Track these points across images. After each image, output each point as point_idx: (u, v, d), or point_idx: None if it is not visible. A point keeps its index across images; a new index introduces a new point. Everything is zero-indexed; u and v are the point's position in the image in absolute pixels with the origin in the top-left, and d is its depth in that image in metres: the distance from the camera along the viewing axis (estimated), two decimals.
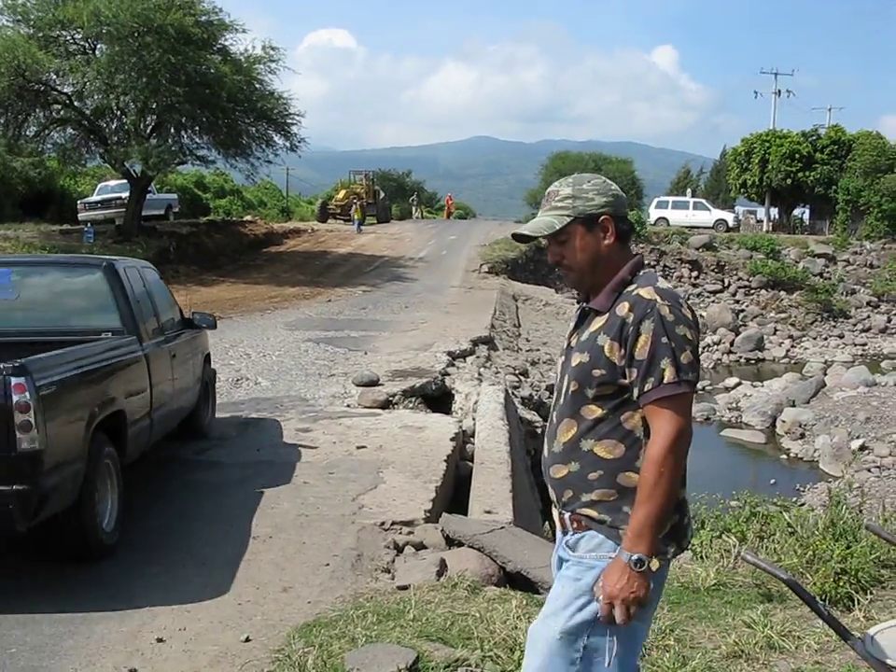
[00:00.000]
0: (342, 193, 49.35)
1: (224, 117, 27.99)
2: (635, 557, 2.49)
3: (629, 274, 2.68)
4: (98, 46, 27.60)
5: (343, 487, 7.24)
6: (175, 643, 4.59)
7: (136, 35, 25.34)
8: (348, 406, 10.45)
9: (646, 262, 2.82)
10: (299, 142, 31.13)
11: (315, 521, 6.46)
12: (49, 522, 5.19)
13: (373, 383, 11.26)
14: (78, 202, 34.76)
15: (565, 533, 2.72)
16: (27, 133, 29.42)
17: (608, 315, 2.63)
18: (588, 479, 2.64)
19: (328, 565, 5.68)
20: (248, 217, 44.65)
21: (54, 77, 27.45)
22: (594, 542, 2.63)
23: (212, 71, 27.00)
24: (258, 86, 29.15)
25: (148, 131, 29.01)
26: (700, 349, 2.66)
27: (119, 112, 28.47)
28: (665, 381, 2.51)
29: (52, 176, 39.56)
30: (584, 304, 2.77)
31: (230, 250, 32.41)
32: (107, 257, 8.53)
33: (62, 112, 29.14)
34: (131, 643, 4.59)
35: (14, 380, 4.76)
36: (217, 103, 27.10)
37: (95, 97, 27.69)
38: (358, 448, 8.44)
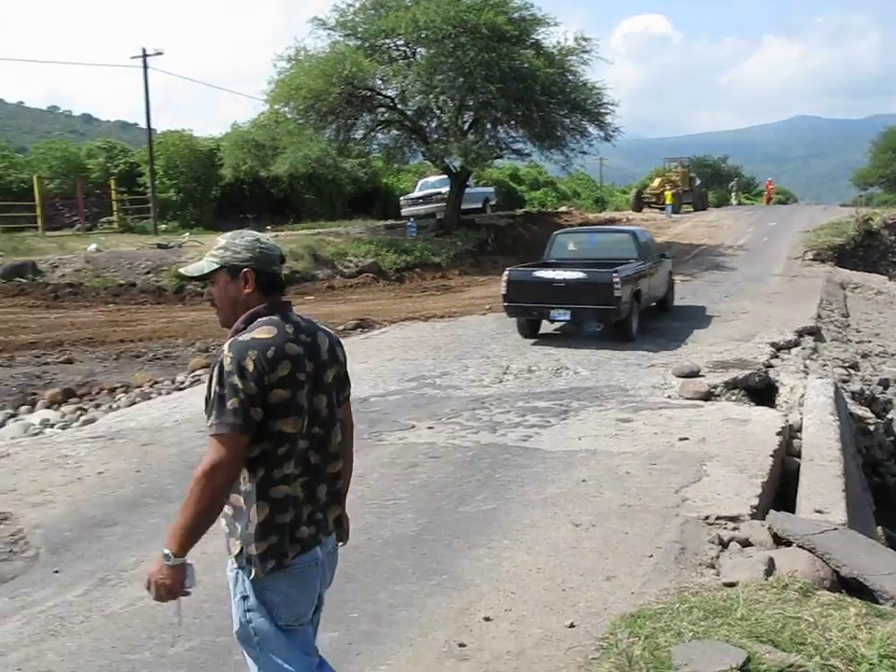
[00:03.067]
0: (656, 182, 48.71)
1: (538, 110, 28.37)
2: (165, 552, 2.86)
3: (242, 323, 3.00)
4: (417, 50, 29.01)
5: (665, 479, 7.07)
6: (501, 623, 4.66)
7: (452, 36, 26.31)
8: (669, 397, 10.21)
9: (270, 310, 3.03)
10: (613, 131, 31.00)
11: (638, 511, 6.35)
12: (616, 324, 13.88)
13: (694, 374, 10.96)
14: (401, 198, 36.65)
15: None
16: (355, 136, 31.44)
17: None
18: None
19: (651, 556, 5.55)
20: (563, 208, 45.13)
21: (379, 82, 29.13)
22: None
23: (525, 66, 27.47)
24: (571, 78, 29.33)
25: (466, 127, 30.03)
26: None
27: (438, 111, 29.69)
28: (210, 422, 2.85)
29: (377, 175, 42.04)
30: None
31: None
32: (630, 227, 19.98)
33: (386, 114, 30.88)
34: (459, 619, 4.71)
35: (614, 275, 13.35)
36: (531, 96, 27.53)
37: (416, 98, 29.06)
38: (680, 440, 8.22)
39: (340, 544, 3.32)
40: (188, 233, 30.48)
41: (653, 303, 16.37)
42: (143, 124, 36.17)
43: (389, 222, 33.92)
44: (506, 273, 14.68)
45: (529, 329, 14.95)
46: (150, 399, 11.86)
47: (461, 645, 4.40)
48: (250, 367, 2.82)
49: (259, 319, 2.98)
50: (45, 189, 32.94)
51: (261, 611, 2.97)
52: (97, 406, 11.47)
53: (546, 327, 15.29)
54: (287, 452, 2.91)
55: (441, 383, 11.43)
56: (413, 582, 5.23)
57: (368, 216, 37.58)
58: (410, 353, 13.81)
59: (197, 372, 13.41)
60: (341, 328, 17.20)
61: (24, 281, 21.50)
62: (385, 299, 22.00)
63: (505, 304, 14.58)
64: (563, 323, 14.61)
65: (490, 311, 18.39)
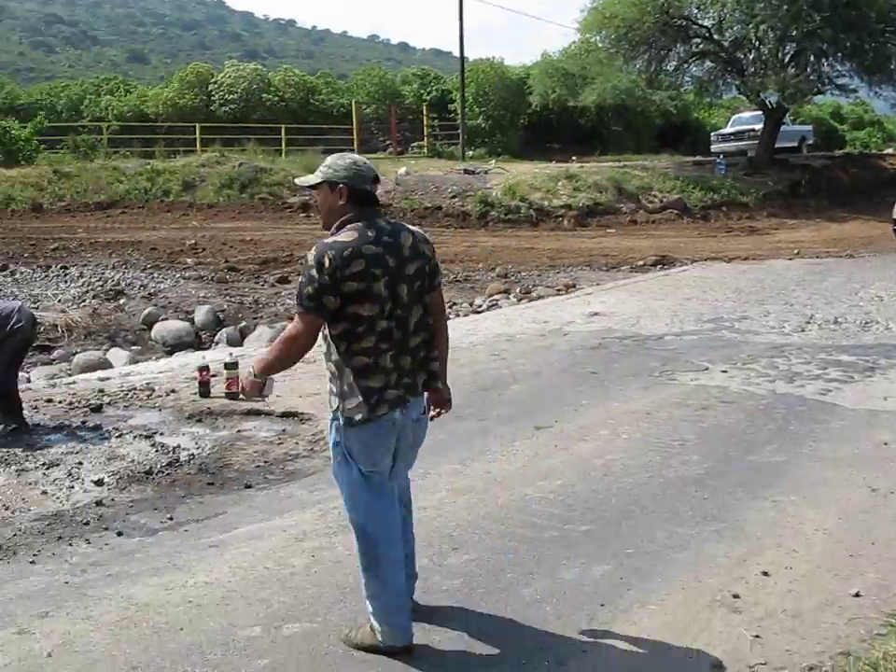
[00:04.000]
0: None
1: (871, 40, 26.14)
2: (250, 370, 3.76)
3: (335, 228, 3.63)
4: None
5: None
6: (779, 579, 4.49)
7: None
8: None
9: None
10: None
11: None
12: None
13: None
14: (712, 134, 35.29)
15: None
16: (667, 67, 30.50)
17: None
18: None
19: None
20: (890, 151, 41.56)
21: (695, 11, 28.08)
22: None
23: None
24: None
25: (786, 60, 28.28)
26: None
27: (756, 42, 28.16)
28: (295, 303, 3.83)
29: (687, 109, 40.65)
30: None
31: (865, 185, 30.45)
32: None
33: (700, 45, 29.67)
34: (736, 570, 4.59)
35: None
36: (864, 25, 25.36)
37: (734, 28, 27.75)
38: None
39: (440, 411, 3.99)
40: (493, 160, 31.04)
41: None
42: (456, 52, 37.05)
43: (697, 158, 32.83)
44: None
45: None
46: (448, 319, 12.32)
47: (735, 596, 4.29)
48: (326, 263, 3.46)
49: (348, 226, 3.59)
50: (362, 113, 34.70)
51: (346, 457, 3.67)
52: None
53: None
54: (366, 330, 3.55)
55: (740, 327, 11.04)
56: (691, 526, 5.14)
57: (675, 151, 36.56)
58: (709, 293, 13.41)
59: (495, 297, 13.76)
60: (640, 263, 16.97)
61: None
62: (688, 237, 21.41)
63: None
64: None
65: (798, 256, 17.42)
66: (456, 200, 23.71)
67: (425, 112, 35.47)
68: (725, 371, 8.78)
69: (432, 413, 3.98)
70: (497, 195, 24.04)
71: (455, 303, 13.48)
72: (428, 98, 39.00)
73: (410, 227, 3.79)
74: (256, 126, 33.69)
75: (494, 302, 13.51)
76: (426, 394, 3.86)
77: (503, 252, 18.17)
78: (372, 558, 3.73)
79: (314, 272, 3.47)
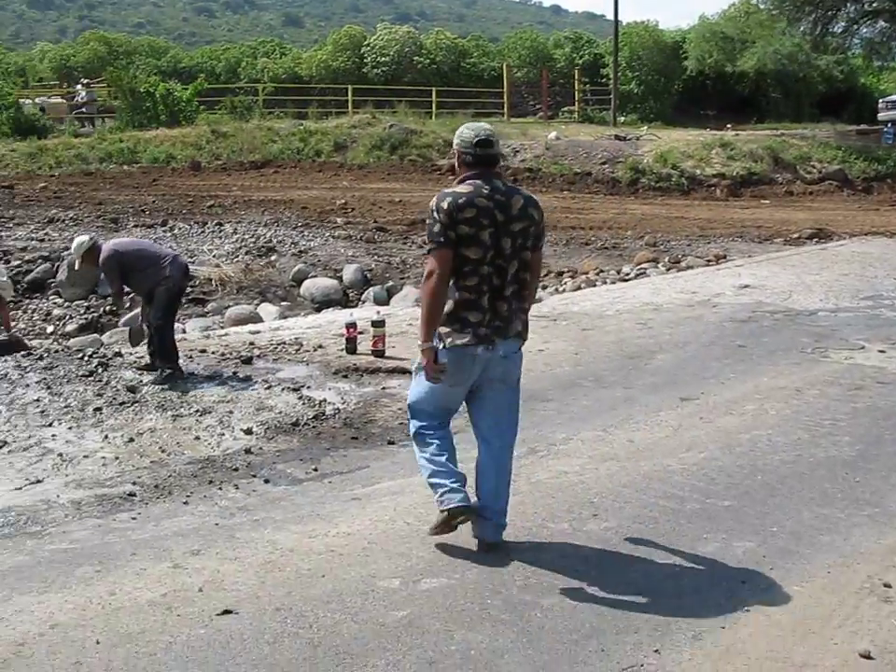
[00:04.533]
0: None
1: None
2: (418, 343, 4.25)
3: (456, 183, 4.26)
4: None
5: None
6: None
7: None
8: None
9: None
10: None
11: None
12: None
13: None
14: (879, 101, 33.45)
15: None
16: (834, 29, 29.07)
17: None
18: None
19: None
20: None
21: None
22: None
23: None
24: None
25: None
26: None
27: None
28: (426, 245, 4.38)
29: (853, 74, 38.72)
30: None
31: None
32: None
33: (874, 3, 28.09)
34: (888, 558, 4.41)
35: None
36: None
37: None
38: None
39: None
40: (645, 127, 30.40)
41: None
42: (609, 15, 36.38)
43: (862, 127, 31.24)
44: None
45: None
46: (594, 286, 12.21)
47: (886, 585, 4.11)
48: (445, 206, 4.08)
49: (467, 181, 4.21)
50: (512, 77, 34.48)
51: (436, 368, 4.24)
52: (543, 287, 12.02)
53: None
54: (471, 271, 4.12)
55: None
56: (840, 508, 4.96)
57: (837, 119, 34.91)
58: (868, 270, 12.81)
59: (643, 265, 13.53)
60: (795, 236, 16.34)
61: None
62: (848, 209, 20.48)
63: None
64: None
65: None
66: (606, 166, 23.37)
67: (576, 76, 34.92)
68: (883, 352, 8.38)
69: None
70: (649, 162, 23.55)
71: (601, 270, 13.32)
72: (580, 62, 38.41)
73: (524, 192, 4.35)
74: (407, 88, 33.99)
75: (641, 271, 13.28)
76: (518, 337, 4.33)
77: (652, 220, 17.80)
78: (420, 439, 4.44)
79: (436, 214, 4.10)
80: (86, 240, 7.93)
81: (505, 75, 33.61)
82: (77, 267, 8.23)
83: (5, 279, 11.07)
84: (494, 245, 4.11)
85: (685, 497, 5.09)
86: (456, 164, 4.34)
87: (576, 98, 34.77)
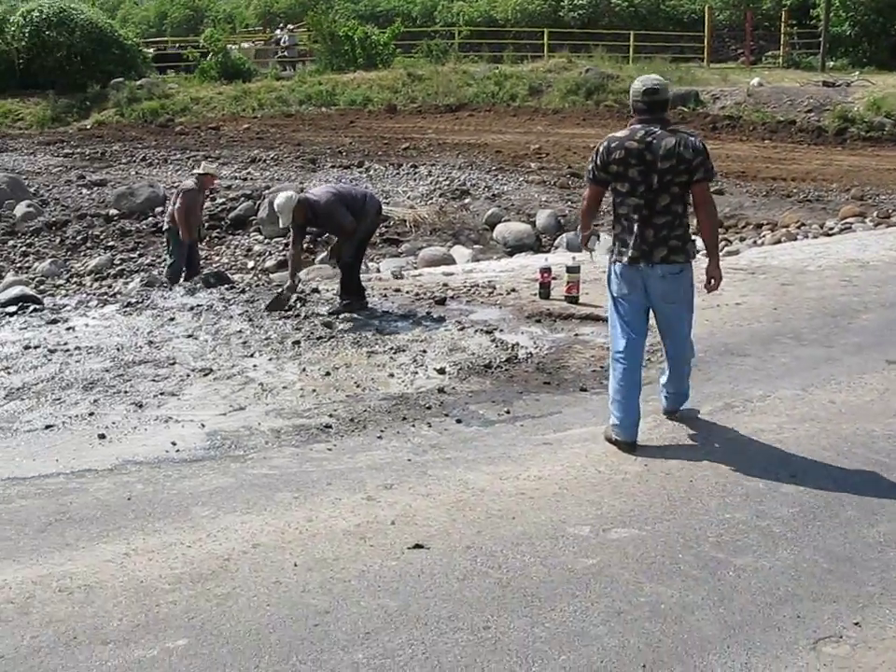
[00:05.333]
0: None
1: None
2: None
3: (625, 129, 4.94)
4: None
5: None
6: None
7: None
8: None
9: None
10: None
11: None
12: None
13: None
14: None
15: None
16: None
17: None
18: None
19: None
20: None
21: None
22: None
23: None
24: None
25: None
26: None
27: None
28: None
29: None
30: None
31: None
32: None
33: None
34: None
35: None
36: None
37: None
38: None
39: (711, 281, 4.96)
40: (858, 72, 28.51)
41: None
42: None
43: None
44: None
45: None
46: (795, 240, 11.62)
47: None
48: (601, 149, 4.83)
49: (628, 127, 4.85)
50: (714, 20, 33.02)
51: (607, 283, 5.12)
52: (741, 239, 11.54)
53: None
54: (622, 201, 4.85)
55: None
56: None
57: None
58: None
59: (848, 220, 12.77)
60: None
61: (686, 110, 22.15)
62: None
63: None
64: None
65: None
66: (812, 114, 22.11)
67: (783, 18, 33.07)
68: None
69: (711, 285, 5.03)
70: (859, 110, 22.09)
71: (803, 224, 12.65)
72: (788, 3, 36.32)
73: (682, 134, 4.80)
74: (604, 32, 33.16)
75: (847, 226, 12.51)
76: (666, 262, 4.84)
77: (861, 173, 16.73)
78: (611, 359, 5.10)
79: (594, 154, 4.91)
80: (292, 195, 7.71)
81: (707, 17, 32.20)
82: (283, 224, 7.89)
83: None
84: (643, 180, 4.74)
85: (890, 464, 4.74)
86: (632, 111, 4.93)
87: (781, 42, 32.95)
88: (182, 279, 9.74)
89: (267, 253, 12.47)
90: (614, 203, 4.91)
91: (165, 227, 10.47)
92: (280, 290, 7.93)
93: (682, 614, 3.42)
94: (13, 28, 28.80)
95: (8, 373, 6.31)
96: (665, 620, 3.38)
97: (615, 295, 5.00)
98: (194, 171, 10.95)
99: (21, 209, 14.37)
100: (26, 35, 28.45)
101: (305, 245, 10.43)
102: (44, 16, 28.79)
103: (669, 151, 4.68)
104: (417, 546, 3.86)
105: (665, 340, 5.18)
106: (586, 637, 3.28)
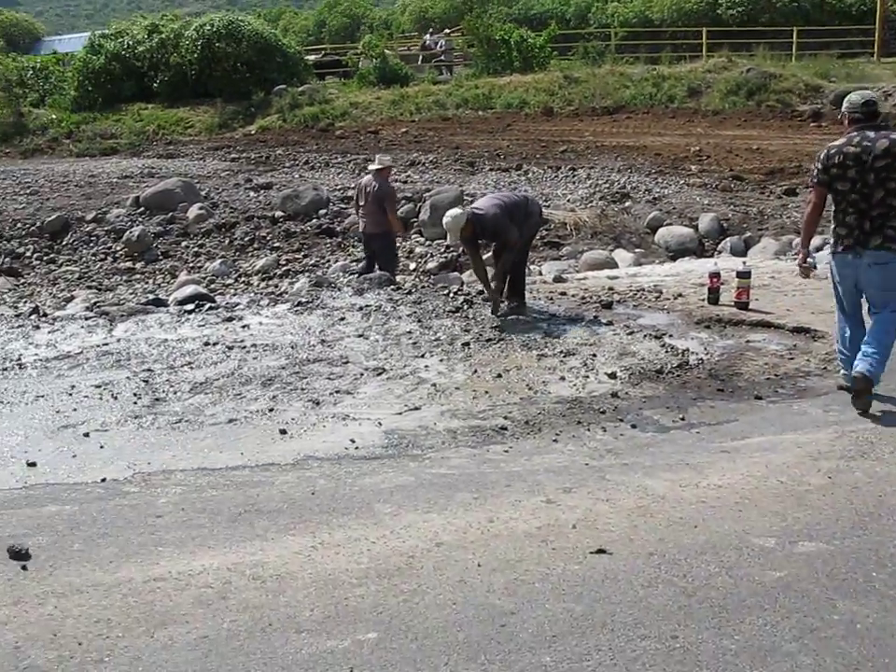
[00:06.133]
0: None
1: None
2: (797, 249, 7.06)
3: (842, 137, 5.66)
4: None
5: None
6: None
7: None
8: None
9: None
10: None
11: None
12: None
13: None
14: None
15: None
16: None
17: None
18: None
19: None
20: None
21: None
22: None
23: None
24: None
25: None
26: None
27: None
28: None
29: None
30: None
31: None
32: None
33: None
34: None
35: None
36: None
37: None
38: None
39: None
40: None
41: None
42: None
43: None
44: None
45: None
46: None
47: None
48: (822, 156, 5.53)
49: (846, 135, 5.51)
50: (886, 10, 31.51)
51: (830, 272, 5.84)
52: None
53: None
54: (841, 199, 5.50)
55: None
56: None
57: None
58: None
59: None
60: None
61: None
62: None
63: None
64: None
65: None
66: None
67: None
68: None
69: None
70: None
71: None
72: None
73: (894, 135, 5.38)
74: (765, 29, 32.17)
75: None
76: (881, 248, 5.42)
77: None
78: (838, 322, 5.86)
79: (816, 161, 5.60)
80: (459, 212, 7.67)
81: (878, 8, 30.79)
82: (451, 241, 7.95)
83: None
84: (859, 179, 5.40)
85: None
86: (846, 122, 5.61)
87: None
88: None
89: (429, 255, 12.64)
90: (835, 202, 5.56)
91: (364, 230, 10.29)
92: (491, 306, 7.86)
93: (881, 636, 3.29)
94: (187, 42, 30.16)
95: (192, 368, 6.62)
96: (863, 641, 3.26)
97: (837, 282, 5.74)
98: (369, 166, 10.66)
99: (193, 211, 15.03)
100: (198, 47, 29.75)
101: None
102: (215, 29, 30.07)
103: (885, 151, 5.36)
104: (600, 551, 3.85)
105: (871, 312, 5.69)
106: (778, 654, 3.19)
